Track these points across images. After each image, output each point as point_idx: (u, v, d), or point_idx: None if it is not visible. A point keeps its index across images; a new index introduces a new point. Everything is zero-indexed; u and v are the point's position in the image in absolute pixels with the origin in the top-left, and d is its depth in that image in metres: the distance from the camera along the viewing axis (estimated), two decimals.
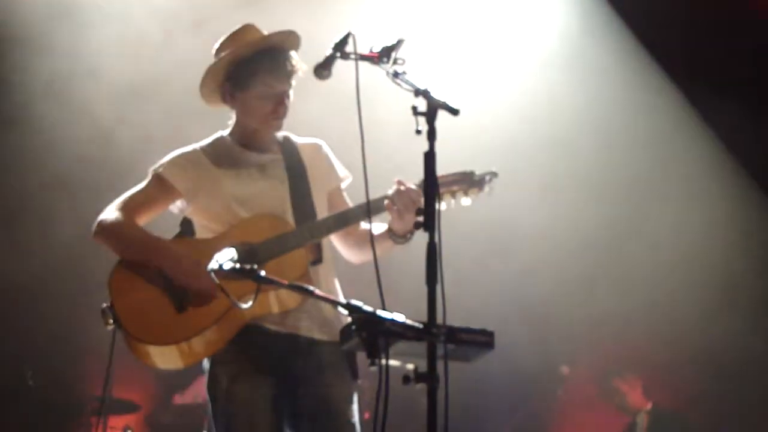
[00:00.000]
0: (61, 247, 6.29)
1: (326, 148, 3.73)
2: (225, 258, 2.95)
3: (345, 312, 2.76)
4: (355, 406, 3.48)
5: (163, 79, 5.95)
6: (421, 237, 2.83)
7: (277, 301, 3.37)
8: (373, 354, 2.66)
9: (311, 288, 2.88)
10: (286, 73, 3.53)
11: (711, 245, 6.80)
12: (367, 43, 3.09)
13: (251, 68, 3.52)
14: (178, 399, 6.69)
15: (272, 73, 3.52)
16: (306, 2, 5.89)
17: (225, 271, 2.91)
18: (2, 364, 6.39)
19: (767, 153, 6.69)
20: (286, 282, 2.93)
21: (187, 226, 3.57)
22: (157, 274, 3.36)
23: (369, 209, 3.28)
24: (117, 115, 6.16)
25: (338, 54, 3.19)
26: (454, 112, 2.82)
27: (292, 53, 3.57)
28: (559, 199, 6.74)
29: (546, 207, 6.73)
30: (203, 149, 3.61)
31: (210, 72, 3.58)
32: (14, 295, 6.43)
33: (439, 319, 2.73)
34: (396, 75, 2.95)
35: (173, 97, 5.79)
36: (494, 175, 3.48)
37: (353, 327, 2.72)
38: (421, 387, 2.67)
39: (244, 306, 2.99)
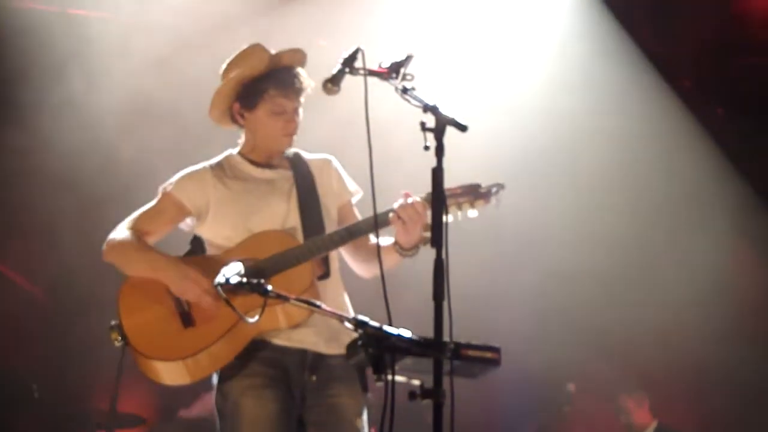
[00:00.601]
0: (67, 261, 6.29)
1: (336, 164, 3.73)
2: (231, 272, 2.95)
3: (351, 327, 2.75)
4: (365, 418, 3.47)
5: (172, 96, 5.98)
6: (429, 252, 2.83)
7: (284, 315, 3.37)
8: (380, 369, 2.66)
9: (318, 302, 2.88)
10: (294, 90, 3.55)
11: (723, 265, 6.79)
12: (375, 58, 3.11)
13: (260, 87, 3.54)
14: (184, 413, 6.66)
15: (281, 90, 3.54)
16: (314, 17, 5.91)
17: (232, 285, 2.91)
18: (8, 377, 6.39)
19: None
20: (293, 296, 2.93)
21: (197, 243, 3.59)
22: (164, 291, 3.38)
23: (376, 222, 3.28)
24: (123, 132, 6.17)
25: (347, 69, 3.20)
26: (463, 128, 2.82)
27: (300, 70, 3.59)
28: (566, 217, 6.73)
29: (554, 225, 6.73)
30: (212, 167, 3.62)
31: (219, 94, 3.60)
32: (20, 307, 6.43)
33: (446, 335, 2.72)
34: (405, 91, 2.96)
35: (182, 116, 5.82)
36: (501, 187, 3.48)
37: (359, 342, 2.71)
38: (427, 403, 2.67)
39: (251, 320, 2.99)
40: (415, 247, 3.43)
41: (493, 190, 3.46)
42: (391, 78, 3.00)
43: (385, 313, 2.88)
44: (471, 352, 2.77)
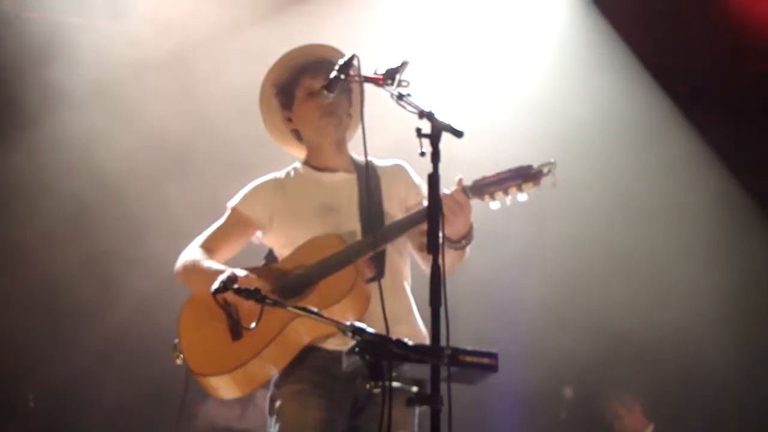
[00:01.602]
0: (61, 269, 6.29)
1: (408, 169, 3.69)
2: (227, 279, 2.97)
3: (349, 335, 2.75)
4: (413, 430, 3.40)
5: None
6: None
7: (319, 326, 3.34)
8: (377, 376, 2.65)
9: (313, 309, 2.88)
10: (325, 73, 3.40)
11: (716, 267, 6.80)
12: (371, 64, 3.11)
13: (292, 82, 3.58)
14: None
15: (309, 73, 3.56)
16: (304, 24, 5.90)
17: (230, 291, 2.93)
18: (3, 387, 6.37)
19: None
20: (290, 304, 2.92)
21: (270, 257, 3.63)
22: (220, 307, 3.37)
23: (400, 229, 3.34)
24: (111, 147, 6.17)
25: (343, 76, 3.21)
26: (459, 134, 2.82)
27: (336, 62, 3.49)
28: (562, 224, 6.73)
29: (550, 231, 6.73)
30: (277, 178, 3.66)
31: (262, 109, 3.65)
32: (16, 316, 6.42)
33: (443, 341, 2.72)
34: (400, 97, 2.95)
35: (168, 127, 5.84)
36: (552, 165, 3.33)
37: (356, 349, 2.71)
38: (425, 409, 2.66)
39: (252, 325, 3.01)
40: (464, 238, 3.37)
41: (545, 170, 3.31)
42: (387, 84, 3.01)
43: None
44: (468, 358, 2.76)
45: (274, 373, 3.41)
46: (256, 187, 3.64)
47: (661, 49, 6.86)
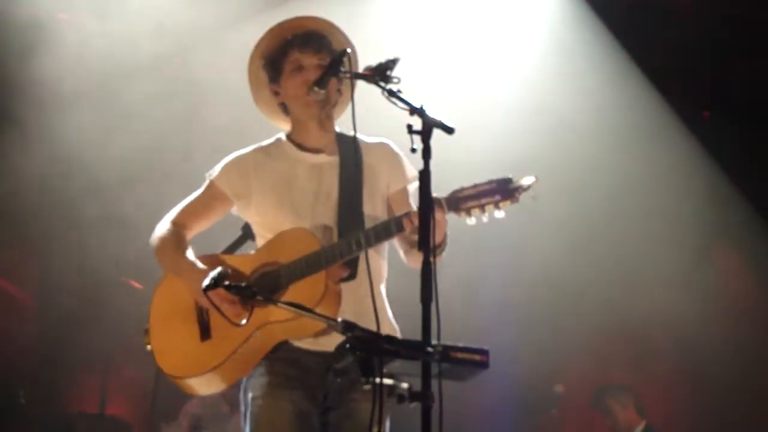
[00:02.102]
0: (53, 265, 6.28)
1: (394, 148, 3.61)
2: (218, 275, 2.95)
3: (339, 331, 2.75)
4: (387, 426, 3.36)
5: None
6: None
7: (300, 327, 3.31)
8: (368, 373, 2.65)
9: (304, 306, 2.88)
10: (314, 46, 3.46)
11: (709, 267, 6.83)
12: (362, 60, 3.11)
13: (280, 53, 3.51)
14: (165, 429, 6.56)
15: (297, 46, 3.49)
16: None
17: (222, 288, 2.92)
18: None
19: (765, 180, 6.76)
20: (279, 300, 2.92)
21: (247, 229, 3.61)
22: (191, 298, 3.38)
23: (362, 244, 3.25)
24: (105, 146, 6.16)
25: (334, 72, 3.20)
26: (449, 130, 2.82)
27: (327, 35, 3.52)
28: (553, 222, 6.74)
29: (541, 229, 6.73)
30: (257, 151, 3.58)
31: (250, 79, 3.58)
32: (7, 314, 6.41)
33: (434, 338, 2.72)
34: (391, 93, 2.94)
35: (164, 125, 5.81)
36: (533, 181, 3.19)
37: (348, 345, 2.71)
38: (416, 406, 2.66)
39: (243, 322, 3.00)
40: (438, 247, 3.23)
41: (524, 186, 3.16)
42: (377, 81, 3.00)
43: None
44: (459, 355, 2.76)
45: (252, 367, 3.38)
46: (237, 161, 3.56)
47: (654, 48, 6.89)
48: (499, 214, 3.19)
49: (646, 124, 6.82)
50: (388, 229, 3.28)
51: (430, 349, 2.67)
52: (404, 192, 3.58)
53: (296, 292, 3.24)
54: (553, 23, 6.57)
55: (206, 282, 2.95)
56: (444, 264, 3.16)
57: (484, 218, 3.20)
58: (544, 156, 6.57)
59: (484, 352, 2.80)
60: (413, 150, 2.79)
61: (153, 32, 5.91)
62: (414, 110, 2.85)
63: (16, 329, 6.48)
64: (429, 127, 2.81)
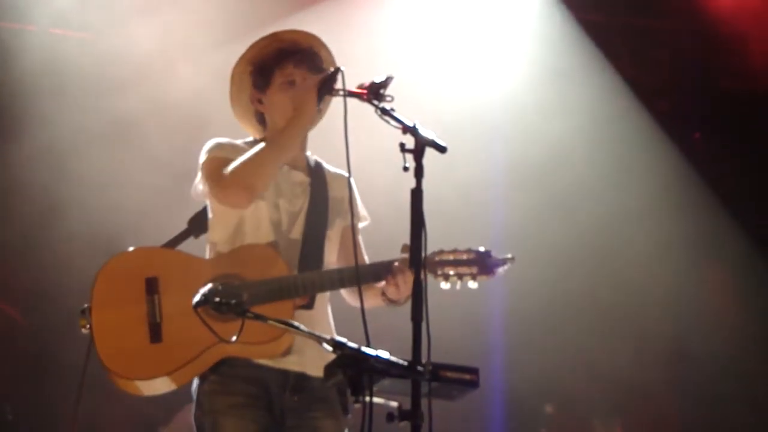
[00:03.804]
0: (43, 282, 6.25)
1: (353, 183, 3.54)
2: (209, 292, 2.93)
3: (330, 349, 2.74)
4: None
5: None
6: None
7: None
8: (357, 391, 2.65)
9: (296, 324, 2.86)
10: (308, 64, 3.45)
11: (700, 285, 6.85)
12: (355, 78, 3.11)
13: (271, 64, 3.47)
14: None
15: (291, 60, 3.45)
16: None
17: (211, 305, 2.89)
18: None
19: (754, 200, 6.79)
20: (271, 318, 2.90)
21: (195, 225, 3.55)
22: (140, 291, 3.29)
23: (357, 273, 3.24)
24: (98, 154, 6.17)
25: (328, 90, 3.21)
26: (442, 149, 2.83)
27: (318, 52, 3.51)
28: (542, 238, 6.74)
29: (530, 244, 6.73)
30: (243, 145, 3.49)
31: (233, 81, 3.53)
32: None
33: (424, 357, 2.72)
34: (384, 111, 2.95)
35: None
36: (511, 261, 3.33)
37: (337, 364, 2.70)
38: (405, 425, 2.66)
39: (233, 339, 2.96)
40: (403, 301, 3.34)
41: (502, 265, 3.31)
42: (371, 99, 3.01)
43: (363, 335, 2.88)
44: (449, 374, 2.76)
45: (195, 377, 3.31)
46: (226, 142, 3.46)
47: (642, 66, 6.93)
48: (473, 285, 3.31)
49: (635, 144, 6.84)
50: (373, 275, 3.31)
51: (420, 368, 2.67)
52: (356, 228, 3.56)
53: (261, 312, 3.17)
54: (542, 41, 6.60)
55: (197, 299, 2.92)
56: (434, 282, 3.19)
57: (458, 286, 3.31)
58: (531, 176, 6.60)
59: (474, 371, 2.81)
60: (406, 168, 2.80)
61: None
62: (407, 129, 2.87)
63: (4, 343, 6.44)
64: (422, 145, 2.82)
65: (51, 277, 6.20)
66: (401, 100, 3.02)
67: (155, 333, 3.27)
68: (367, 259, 3.57)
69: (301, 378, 3.37)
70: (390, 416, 2.66)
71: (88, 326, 3.30)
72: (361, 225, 3.64)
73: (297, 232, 3.43)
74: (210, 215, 3.52)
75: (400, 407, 2.67)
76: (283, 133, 3.36)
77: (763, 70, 6.69)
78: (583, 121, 6.64)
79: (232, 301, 2.87)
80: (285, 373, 3.35)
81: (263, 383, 3.33)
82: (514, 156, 6.65)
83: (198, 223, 3.55)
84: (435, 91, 6.30)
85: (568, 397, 7.12)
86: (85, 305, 3.33)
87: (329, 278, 3.33)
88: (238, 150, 3.42)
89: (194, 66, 6.03)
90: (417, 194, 2.80)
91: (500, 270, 3.31)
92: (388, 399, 2.75)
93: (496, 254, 3.33)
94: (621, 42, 6.92)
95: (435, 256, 3.32)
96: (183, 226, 3.66)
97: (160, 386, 3.30)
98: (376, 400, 2.66)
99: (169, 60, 6.06)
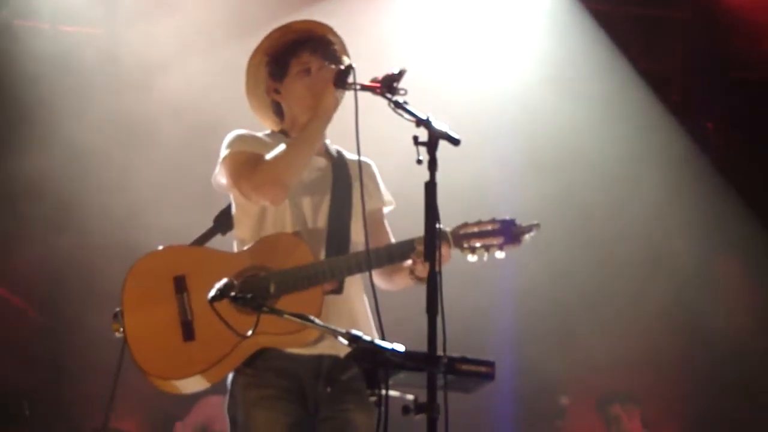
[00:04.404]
0: (58, 278, 6.27)
1: (375, 169, 3.62)
2: (224, 286, 2.94)
3: (345, 342, 2.75)
4: None
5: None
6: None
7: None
8: (373, 384, 2.65)
9: (312, 317, 2.86)
10: (324, 53, 3.43)
11: (712, 275, 6.84)
12: (366, 73, 3.11)
13: (288, 53, 3.45)
14: (180, 428, 6.58)
15: (309, 48, 3.44)
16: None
17: (227, 299, 2.90)
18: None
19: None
20: (287, 312, 2.91)
21: (220, 222, 3.54)
22: (169, 290, 3.29)
23: (368, 248, 3.22)
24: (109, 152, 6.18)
25: (341, 83, 3.21)
26: (455, 142, 2.83)
27: (332, 40, 3.49)
28: (554, 230, 6.72)
29: (541, 236, 6.72)
30: (264, 137, 3.49)
31: (249, 72, 3.52)
32: (11, 324, 6.40)
33: (440, 349, 2.72)
34: (398, 105, 2.95)
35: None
36: (537, 228, 3.30)
37: (353, 357, 2.71)
38: (421, 418, 2.66)
39: (249, 333, 2.95)
40: (423, 280, 3.19)
41: (529, 232, 3.28)
42: (384, 93, 3.01)
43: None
44: (465, 367, 2.75)
45: (230, 372, 3.32)
46: (248, 134, 3.45)
47: (653, 56, 6.92)
48: (501, 255, 3.29)
49: (648, 134, 6.82)
50: (392, 257, 3.28)
51: (436, 361, 2.67)
52: (381, 212, 3.60)
53: (290, 304, 3.15)
54: (553, 31, 6.58)
55: (212, 293, 2.92)
56: (451, 272, 3.18)
57: (485, 257, 3.28)
58: (543, 168, 6.59)
59: (489, 364, 2.80)
60: (419, 161, 2.80)
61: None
62: (420, 121, 2.86)
63: (19, 338, 6.47)
64: (435, 138, 2.81)
65: (67, 274, 6.23)
66: (413, 93, 3.02)
67: (188, 331, 3.26)
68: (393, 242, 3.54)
69: (335, 363, 3.33)
70: (406, 409, 2.66)
71: (121, 330, 3.30)
72: (386, 209, 3.62)
73: (322, 220, 3.42)
74: (234, 210, 3.51)
75: (416, 400, 2.68)
76: (308, 127, 3.36)
77: None
78: (594, 112, 6.62)
79: (248, 295, 2.88)
80: (318, 360, 3.32)
81: (296, 376, 3.31)
82: (526, 148, 6.65)
83: (224, 220, 3.55)
84: (446, 84, 6.29)
85: (584, 389, 7.12)
86: (117, 309, 3.32)
87: (356, 261, 3.30)
88: (261, 142, 3.42)
89: (208, 64, 6.04)
90: (431, 187, 2.80)
91: (527, 237, 3.29)
92: (404, 392, 2.75)
93: (521, 222, 3.29)
94: (632, 32, 6.90)
95: (459, 229, 3.29)
96: (200, 223, 3.68)
97: (197, 384, 3.30)
98: (391, 393, 2.67)
99: (183, 58, 6.07)
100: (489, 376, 2.80)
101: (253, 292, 3.11)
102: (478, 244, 3.28)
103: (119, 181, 6.20)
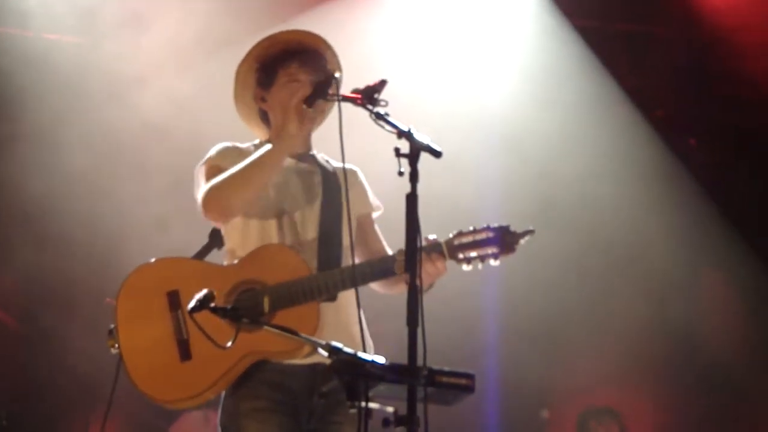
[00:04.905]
0: (38, 290, 6.24)
1: (361, 175, 3.62)
2: (204, 297, 2.92)
3: (326, 354, 2.74)
4: None
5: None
6: None
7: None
8: (353, 396, 2.64)
9: (294, 330, 2.85)
10: (313, 64, 3.44)
11: (693, 287, 6.86)
12: (349, 83, 3.11)
13: (277, 62, 3.46)
14: None
15: (297, 59, 3.44)
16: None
17: (205, 311, 2.88)
18: None
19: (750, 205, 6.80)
20: (269, 324, 2.89)
21: (215, 236, 3.52)
22: (164, 306, 3.26)
23: (354, 272, 3.23)
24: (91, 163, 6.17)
25: (322, 94, 3.21)
26: (437, 154, 2.83)
27: (323, 53, 3.50)
28: (538, 243, 6.72)
29: (525, 249, 6.72)
30: (248, 147, 3.48)
31: (237, 80, 3.52)
32: None
33: (420, 361, 2.71)
34: (379, 116, 2.95)
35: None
36: (531, 233, 3.27)
37: (333, 369, 2.70)
38: (401, 430, 2.65)
39: (228, 344, 2.93)
40: (427, 288, 3.27)
41: (523, 238, 3.25)
42: (365, 104, 3.01)
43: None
44: (445, 379, 2.74)
45: (228, 385, 3.29)
46: (230, 147, 3.44)
47: (639, 73, 6.95)
48: (495, 263, 3.26)
49: (632, 150, 6.85)
50: (383, 271, 3.27)
51: (416, 374, 2.67)
52: (371, 217, 3.60)
53: (287, 319, 3.13)
54: (538, 47, 6.61)
55: (192, 304, 2.90)
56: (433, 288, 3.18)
57: (480, 266, 3.26)
58: (526, 183, 6.60)
59: (469, 377, 2.79)
60: (401, 173, 2.80)
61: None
62: (402, 133, 2.86)
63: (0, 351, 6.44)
64: (417, 150, 2.81)
65: (47, 285, 6.20)
66: (396, 104, 3.02)
67: (184, 351, 3.23)
68: (387, 248, 3.55)
69: (329, 372, 3.31)
70: (386, 421, 2.65)
71: (116, 346, 3.26)
72: (375, 214, 3.62)
73: (312, 229, 3.41)
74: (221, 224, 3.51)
75: (396, 412, 2.67)
76: (267, 153, 3.33)
77: (759, 77, 6.70)
78: (578, 127, 6.65)
79: (227, 306, 2.87)
80: (313, 371, 3.30)
81: (290, 390, 3.29)
82: (510, 163, 6.66)
83: (219, 235, 3.53)
84: (430, 97, 6.30)
85: (565, 401, 7.13)
86: (112, 326, 3.27)
87: (350, 276, 3.27)
88: (243, 155, 3.40)
89: (193, 73, 6.04)
90: (412, 199, 2.79)
91: (521, 242, 3.25)
92: (384, 404, 2.74)
93: (515, 228, 3.26)
94: (618, 49, 6.94)
95: (454, 240, 3.26)
96: (184, 236, 3.66)
97: (191, 403, 3.28)
98: (372, 405, 2.65)
99: (166, 68, 6.07)
100: (469, 389, 2.79)
101: (248, 307, 3.16)
102: (473, 255, 3.25)
103: (105, 190, 6.18)
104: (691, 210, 6.90)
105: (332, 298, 3.31)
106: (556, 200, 6.68)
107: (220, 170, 3.34)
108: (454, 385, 2.76)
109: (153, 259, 3.40)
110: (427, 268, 3.21)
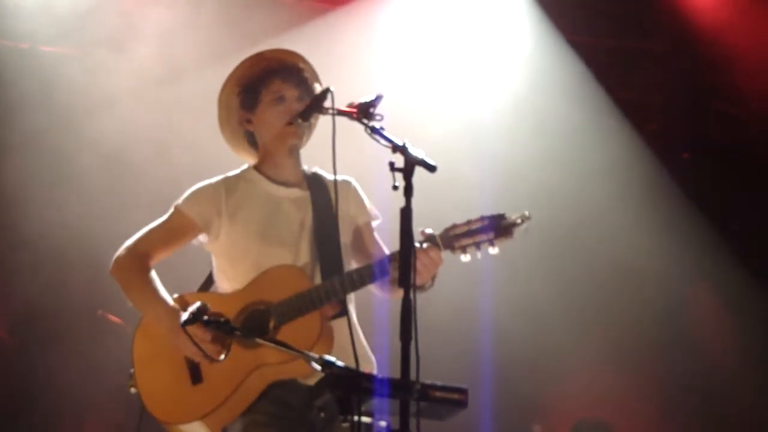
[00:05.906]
0: (31, 302, 6.22)
1: (356, 186, 3.61)
2: (197, 310, 2.92)
3: (318, 368, 2.73)
4: None
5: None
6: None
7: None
8: (346, 410, 2.64)
9: (285, 342, 2.86)
10: (295, 79, 3.46)
11: (685, 301, 6.87)
12: (345, 96, 3.12)
13: (259, 82, 3.47)
14: None
15: (279, 76, 3.46)
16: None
17: (200, 324, 2.89)
18: None
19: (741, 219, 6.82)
20: (260, 339, 2.90)
21: (211, 279, 3.55)
22: (191, 343, 3.24)
23: (344, 282, 3.25)
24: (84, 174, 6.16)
25: (318, 108, 3.21)
26: (431, 168, 2.84)
27: (303, 68, 3.52)
28: (531, 259, 6.75)
29: (519, 263, 6.74)
30: (228, 180, 3.51)
31: (221, 104, 3.53)
32: None
33: (413, 376, 2.71)
34: (374, 130, 2.96)
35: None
36: (527, 218, 3.25)
37: (326, 383, 2.69)
38: None
39: (221, 357, 2.96)
40: (426, 285, 3.28)
41: (518, 223, 3.22)
42: (361, 118, 3.01)
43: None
44: (437, 394, 2.75)
45: (241, 411, 3.30)
46: (205, 189, 3.48)
47: (632, 87, 6.97)
48: (494, 250, 3.24)
49: (625, 164, 6.86)
50: (380, 272, 3.27)
51: (408, 388, 2.66)
52: (369, 226, 3.59)
53: (291, 332, 3.18)
54: (532, 62, 6.62)
55: (185, 317, 2.91)
56: (424, 300, 3.17)
57: (478, 255, 3.23)
58: (519, 192, 6.60)
59: (462, 391, 2.79)
60: (395, 187, 2.80)
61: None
62: (397, 148, 2.87)
63: None
64: (411, 164, 2.82)
65: (39, 298, 6.17)
66: (391, 118, 3.03)
67: (195, 374, 3.30)
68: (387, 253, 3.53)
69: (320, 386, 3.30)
70: None
71: (134, 387, 3.37)
72: (374, 223, 3.61)
73: (306, 250, 3.42)
74: (215, 261, 3.55)
75: (388, 427, 2.66)
76: (149, 307, 3.38)
77: (752, 91, 6.73)
78: (572, 143, 6.66)
79: (221, 319, 2.88)
80: (307, 389, 3.28)
81: (288, 403, 3.29)
82: (503, 179, 6.64)
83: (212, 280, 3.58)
84: (423, 112, 6.31)
85: (557, 415, 7.11)
86: (131, 370, 3.39)
87: (349, 281, 3.28)
88: (210, 198, 3.44)
89: (183, 85, 6.04)
90: (406, 213, 2.80)
91: (520, 230, 3.23)
92: (377, 419, 2.74)
93: (510, 216, 3.23)
94: (611, 63, 6.96)
95: (449, 231, 3.26)
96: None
97: (205, 427, 3.29)
98: (364, 419, 2.65)
99: (161, 82, 6.07)
100: (462, 404, 2.79)
101: (258, 326, 3.21)
102: (469, 242, 3.23)
103: (97, 205, 6.16)
104: (683, 223, 6.91)
105: (342, 313, 3.31)
106: (549, 214, 6.68)
107: (185, 219, 3.42)
108: (447, 400, 2.76)
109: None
110: (422, 259, 3.20)
